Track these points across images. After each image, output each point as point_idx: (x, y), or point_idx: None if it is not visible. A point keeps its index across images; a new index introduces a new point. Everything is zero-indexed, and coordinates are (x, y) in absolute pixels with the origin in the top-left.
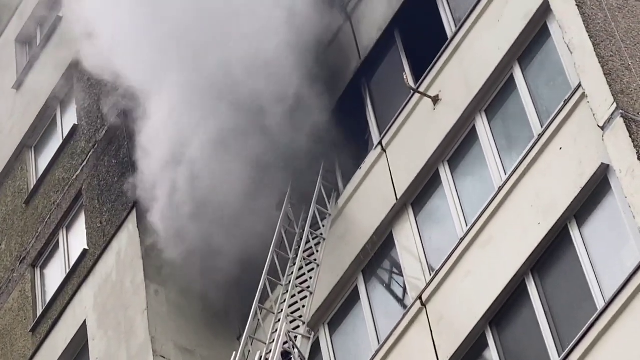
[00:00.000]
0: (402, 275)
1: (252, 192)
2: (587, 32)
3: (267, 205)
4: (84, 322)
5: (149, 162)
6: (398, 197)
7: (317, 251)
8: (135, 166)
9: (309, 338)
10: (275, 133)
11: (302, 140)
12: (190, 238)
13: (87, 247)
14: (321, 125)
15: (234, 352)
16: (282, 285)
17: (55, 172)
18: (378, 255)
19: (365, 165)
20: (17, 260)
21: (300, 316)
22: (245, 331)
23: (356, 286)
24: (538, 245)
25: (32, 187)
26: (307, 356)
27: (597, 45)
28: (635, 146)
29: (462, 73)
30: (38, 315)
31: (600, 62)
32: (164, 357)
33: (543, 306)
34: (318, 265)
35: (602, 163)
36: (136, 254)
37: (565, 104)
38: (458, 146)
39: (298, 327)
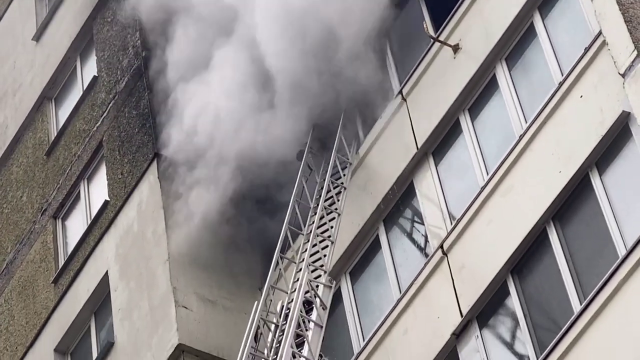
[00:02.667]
0: (423, 224)
1: (277, 139)
2: None
3: (291, 152)
4: (106, 273)
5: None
6: (419, 146)
7: (338, 200)
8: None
9: (331, 287)
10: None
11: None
12: (213, 187)
13: (108, 199)
14: (341, 74)
15: (256, 302)
16: (303, 234)
17: (75, 123)
18: (399, 205)
19: (385, 115)
20: (38, 212)
21: (322, 265)
22: (267, 281)
23: (377, 235)
24: (559, 194)
25: (52, 138)
26: (328, 305)
27: None
28: None
29: (482, 21)
30: (60, 266)
31: (620, 10)
32: (186, 308)
33: (564, 254)
34: (339, 215)
35: (623, 111)
36: (157, 205)
37: (586, 52)
38: (478, 95)
39: (319, 276)
